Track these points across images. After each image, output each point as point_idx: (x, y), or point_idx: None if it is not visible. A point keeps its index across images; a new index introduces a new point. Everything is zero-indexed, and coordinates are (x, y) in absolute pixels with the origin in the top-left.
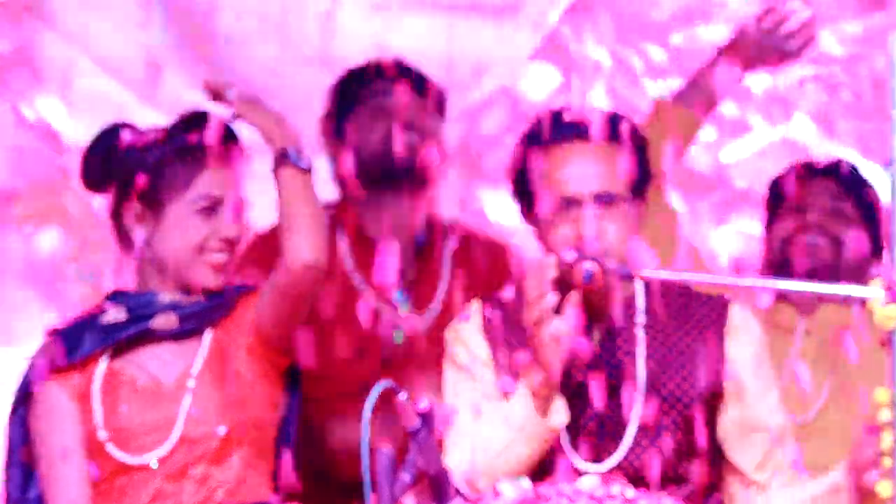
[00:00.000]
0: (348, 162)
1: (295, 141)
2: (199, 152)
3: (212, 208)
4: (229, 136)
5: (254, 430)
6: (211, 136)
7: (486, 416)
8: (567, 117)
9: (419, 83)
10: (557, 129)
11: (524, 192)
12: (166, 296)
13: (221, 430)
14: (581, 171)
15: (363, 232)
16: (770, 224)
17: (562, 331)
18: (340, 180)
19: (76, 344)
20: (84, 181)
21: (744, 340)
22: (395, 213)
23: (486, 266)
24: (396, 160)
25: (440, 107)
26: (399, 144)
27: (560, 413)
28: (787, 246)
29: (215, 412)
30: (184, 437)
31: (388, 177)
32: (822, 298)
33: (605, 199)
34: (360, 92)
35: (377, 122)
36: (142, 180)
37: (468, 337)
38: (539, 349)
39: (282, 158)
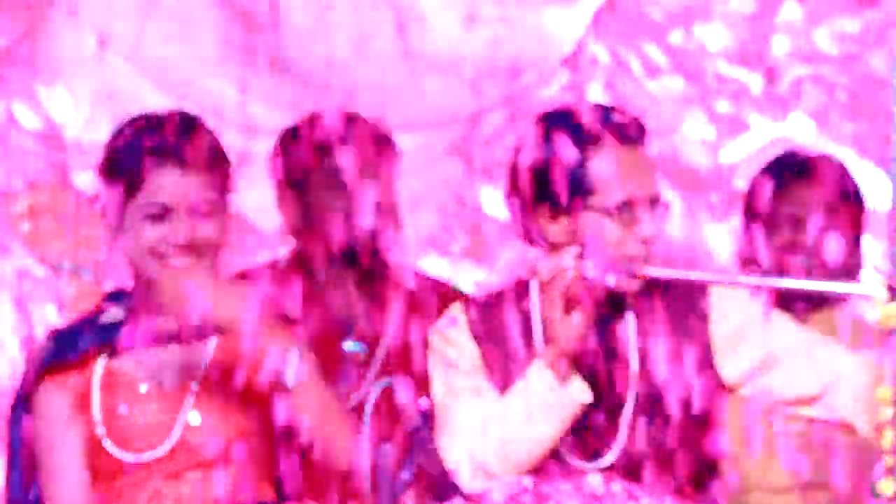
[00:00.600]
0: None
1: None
2: (148, 154)
3: (160, 215)
4: (191, 137)
5: (256, 436)
6: (163, 137)
7: (497, 399)
8: (616, 118)
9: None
10: (612, 130)
11: (547, 189)
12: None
13: (222, 436)
14: (639, 174)
15: (315, 297)
16: (754, 225)
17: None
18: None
19: (73, 342)
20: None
21: (724, 317)
22: (353, 292)
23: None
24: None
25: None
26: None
27: (580, 388)
28: (781, 264)
29: (217, 417)
30: (183, 441)
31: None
32: (815, 306)
33: (657, 203)
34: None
35: (337, 200)
36: (100, 182)
37: (456, 338)
38: (555, 325)
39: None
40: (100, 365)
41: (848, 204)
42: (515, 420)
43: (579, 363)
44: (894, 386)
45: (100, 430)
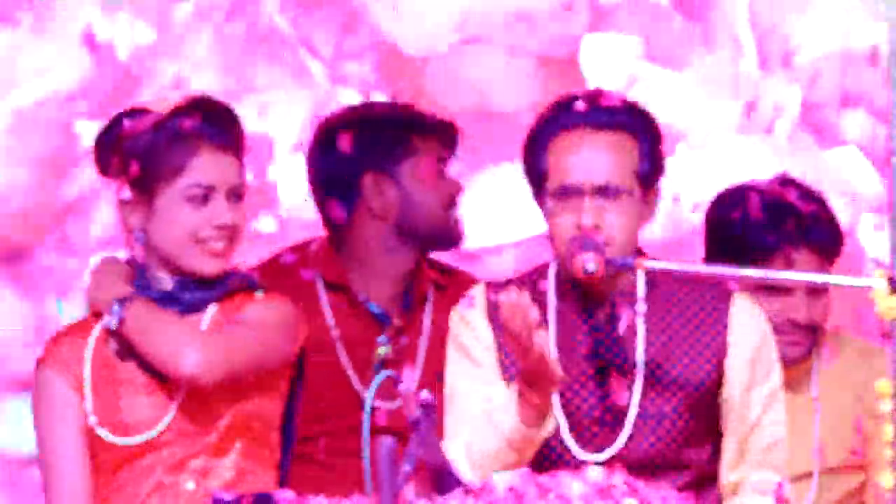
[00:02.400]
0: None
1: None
2: (191, 138)
3: (204, 196)
4: (227, 121)
5: (256, 421)
6: (204, 121)
7: (477, 420)
8: (578, 104)
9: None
10: (567, 116)
11: (535, 176)
12: (167, 282)
13: (221, 422)
14: (585, 160)
15: (351, 292)
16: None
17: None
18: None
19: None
20: (96, 166)
21: (745, 331)
22: (403, 274)
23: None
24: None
25: None
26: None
27: (550, 423)
28: None
29: (214, 403)
30: (181, 429)
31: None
32: None
33: (607, 191)
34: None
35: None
36: (133, 167)
37: (473, 320)
38: (529, 379)
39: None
40: (94, 334)
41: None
42: (487, 445)
43: (587, 356)
44: (895, 379)
45: (91, 417)
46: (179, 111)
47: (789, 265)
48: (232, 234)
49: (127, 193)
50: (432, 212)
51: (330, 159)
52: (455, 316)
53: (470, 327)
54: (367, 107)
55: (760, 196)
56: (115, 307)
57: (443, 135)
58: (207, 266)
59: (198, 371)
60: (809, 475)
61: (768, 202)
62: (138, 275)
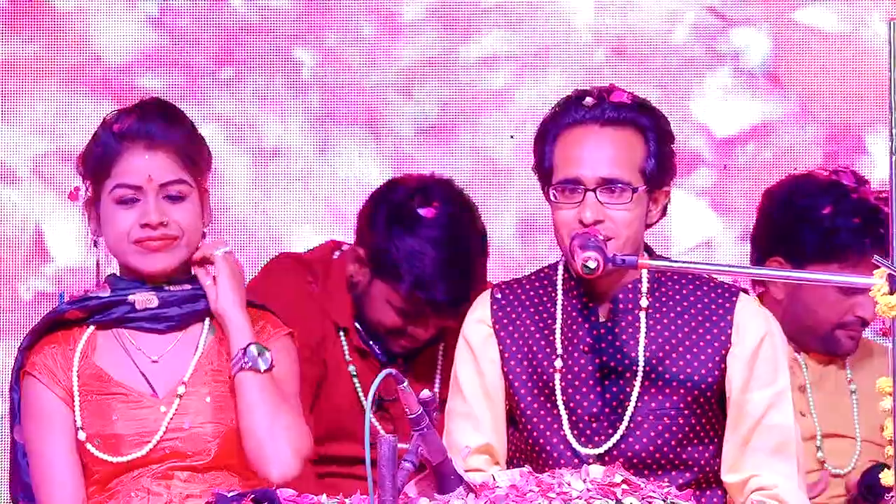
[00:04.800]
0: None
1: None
2: (119, 139)
3: (133, 197)
4: (161, 121)
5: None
6: (136, 122)
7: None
8: (588, 99)
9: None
10: (576, 111)
11: (543, 170)
12: (137, 289)
13: (212, 447)
14: (590, 153)
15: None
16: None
17: None
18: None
19: (59, 309)
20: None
21: (747, 331)
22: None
23: None
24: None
25: None
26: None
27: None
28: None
29: (207, 425)
30: (172, 448)
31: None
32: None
33: (611, 185)
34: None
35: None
36: (81, 172)
37: (476, 321)
38: None
39: (243, 359)
40: (82, 344)
41: None
42: None
43: (588, 352)
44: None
45: (81, 433)
46: (120, 113)
47: (869, 270)
48: (169, 231)
49: (87, 198)
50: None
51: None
52: (465, 321)
53: (472, 329)
54: None
55: (848, 194)
56: (267, 353)
57: None
58: (148, 265)
59: (289, 477)
60: (853, 438)
61: (858, 203)
62: (113, 283)
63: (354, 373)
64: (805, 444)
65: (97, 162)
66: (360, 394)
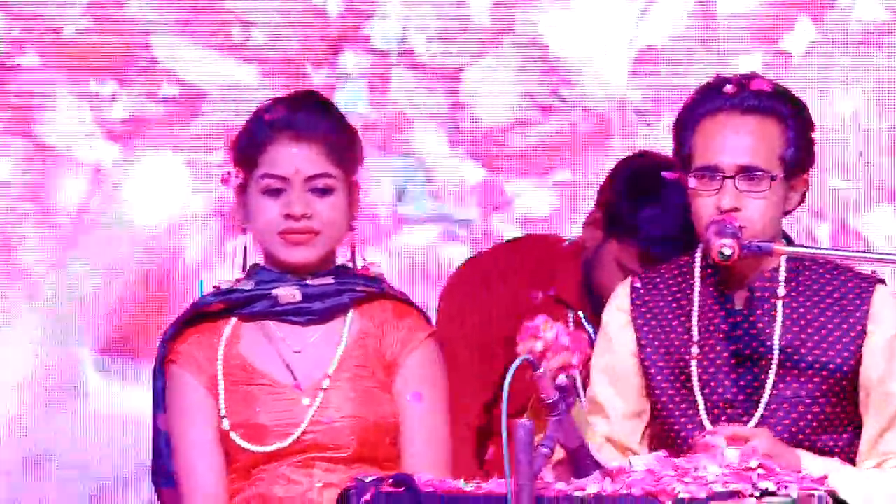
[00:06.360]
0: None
1: None
2: (268, 130)
3: (278, 188)
4: (312, 113)
5: (383, 432)
6: (286, 113)
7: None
8: (728, 87)
9: None
10: (716, 98)
11: (682, 157)
12: (279, 279)
13: (353, 441)
14: (729, 141)
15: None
16: None
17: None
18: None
19: (202, 301)
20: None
21: (885, 319)
22: None
23: None
24: None
25: None
26: None
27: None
28: None
29: (348, 418)
30: (316, 442)
31: None
32: None
33: (749, 173)
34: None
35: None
36: (232, 157)
37: (614, 309)
38: None
39: None
40: (227, 335)
41: None
42: None
43: (724, 340)
44: None
45: (225, 424)
46: (273, 103)
47: None
48: (312, 225)
49: (238, 188)
50: None
51: None
52: (606, 308)
53: (611, 317)
54: None
55: None
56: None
57: None
58: (294, 257)
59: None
60: None
61: None
62: (256, 274)
63: None
64: None
65: (246, 150)
66: None
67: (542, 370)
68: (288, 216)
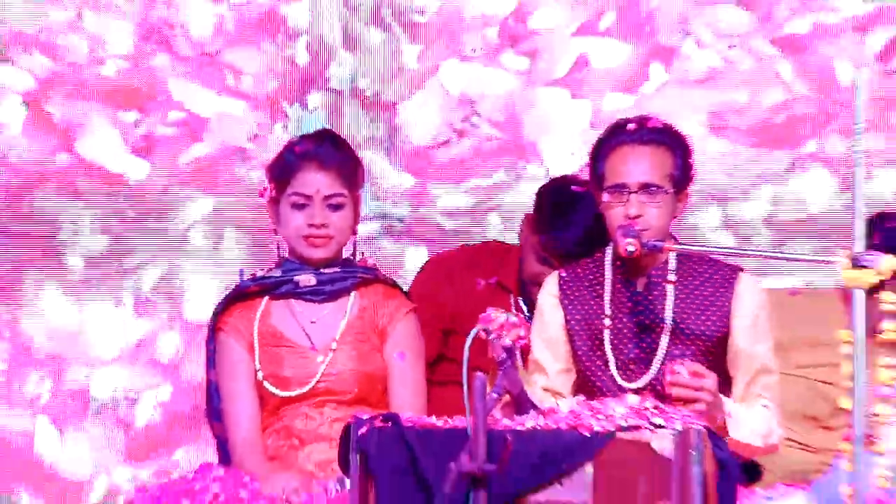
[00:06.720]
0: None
1: None
2: (299, 159)
3: (303, 203)
4: (331, 148)
5: (378, 381)
6: (312, 146)
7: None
8: (631, 125)
9: None
10: (622, 134)
11: (596, 177)
12: (304, 271)
13: (354, 387)
14: (633, 165)
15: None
16: None
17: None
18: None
19: (243, 284)
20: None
21: (744, 302)
22: None
23: None
24: None
25: None
26: None
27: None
28: None
29: (351, 371)
30: (326, 387)
31: None
32: None
33: (648, 188)
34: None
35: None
36: (268, 178)
37: (546, 295)
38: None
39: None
40: (261, 308)
41: None
42: None
43: (629, 313)
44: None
45: (259, 373)
46: (302, 138)
47: None
48: (329, 232)
49: (272, 200)
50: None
51: None
52: (540, 293)
53: (544, 303)
54: None
55: None
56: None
57: None
58: (314, 254)
59: None
60: None
61: None
62: (284, 264)
63: None
64: None
65: (280, 173)
66: None
67: (492, 337)
68: (311, 225)
